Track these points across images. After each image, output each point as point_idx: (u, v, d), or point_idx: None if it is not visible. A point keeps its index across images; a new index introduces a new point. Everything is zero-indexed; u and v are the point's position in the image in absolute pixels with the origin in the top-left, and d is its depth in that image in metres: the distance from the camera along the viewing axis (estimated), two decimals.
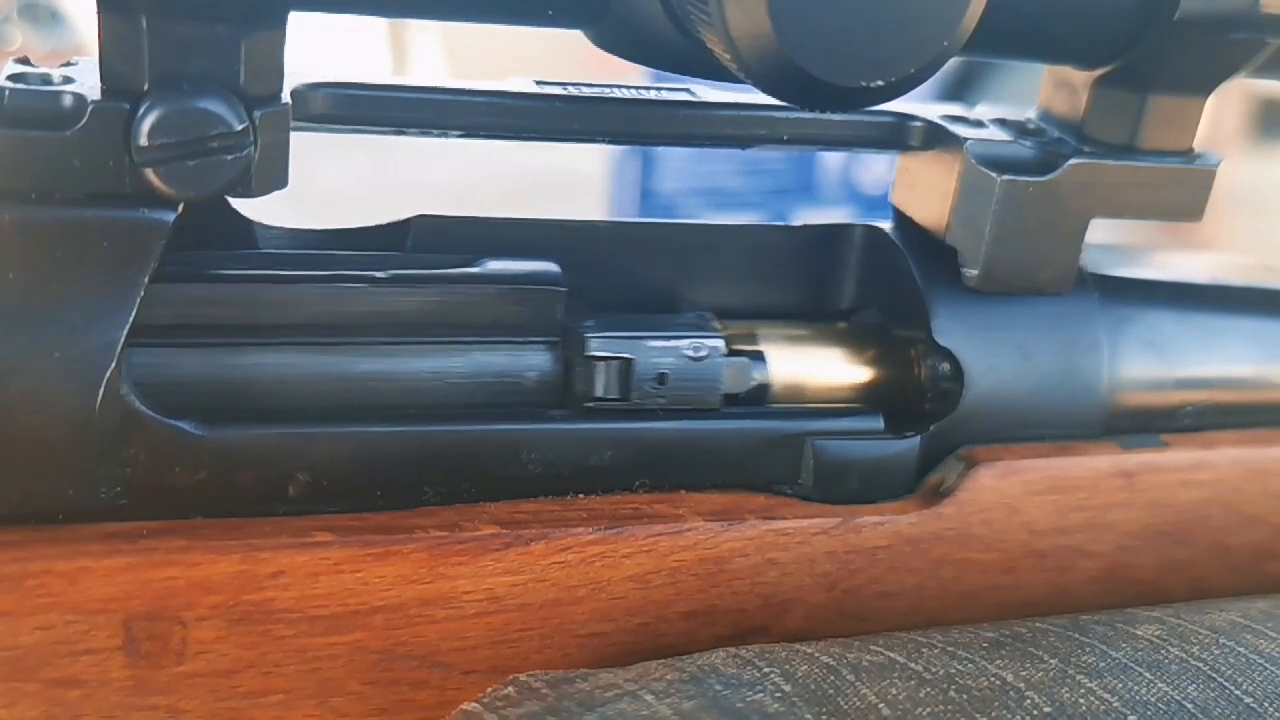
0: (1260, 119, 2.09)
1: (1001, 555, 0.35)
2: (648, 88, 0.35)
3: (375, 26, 2.67)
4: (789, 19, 0.26)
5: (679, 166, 1.53)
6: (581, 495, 0.33)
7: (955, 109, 0.38)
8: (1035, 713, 0.27)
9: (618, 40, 0.33)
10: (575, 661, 0.31)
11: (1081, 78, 0.36)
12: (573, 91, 0.34)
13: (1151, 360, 0.37)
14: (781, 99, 0.28)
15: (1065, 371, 0.36)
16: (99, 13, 0.27)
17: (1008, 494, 0.35)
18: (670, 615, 0.32)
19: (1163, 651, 0.29)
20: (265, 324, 0.31)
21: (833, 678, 0.27)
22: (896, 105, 0.35)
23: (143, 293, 0.28)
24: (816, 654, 0.28)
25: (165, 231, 0.28)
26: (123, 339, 0.28)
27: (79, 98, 0.28)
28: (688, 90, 0.35)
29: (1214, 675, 0.28)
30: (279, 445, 0.30)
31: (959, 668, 0.28)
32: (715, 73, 0.31)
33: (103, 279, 0.28)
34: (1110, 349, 0.37)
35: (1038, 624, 0.31)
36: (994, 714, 0.26)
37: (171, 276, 0.29)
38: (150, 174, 0.28)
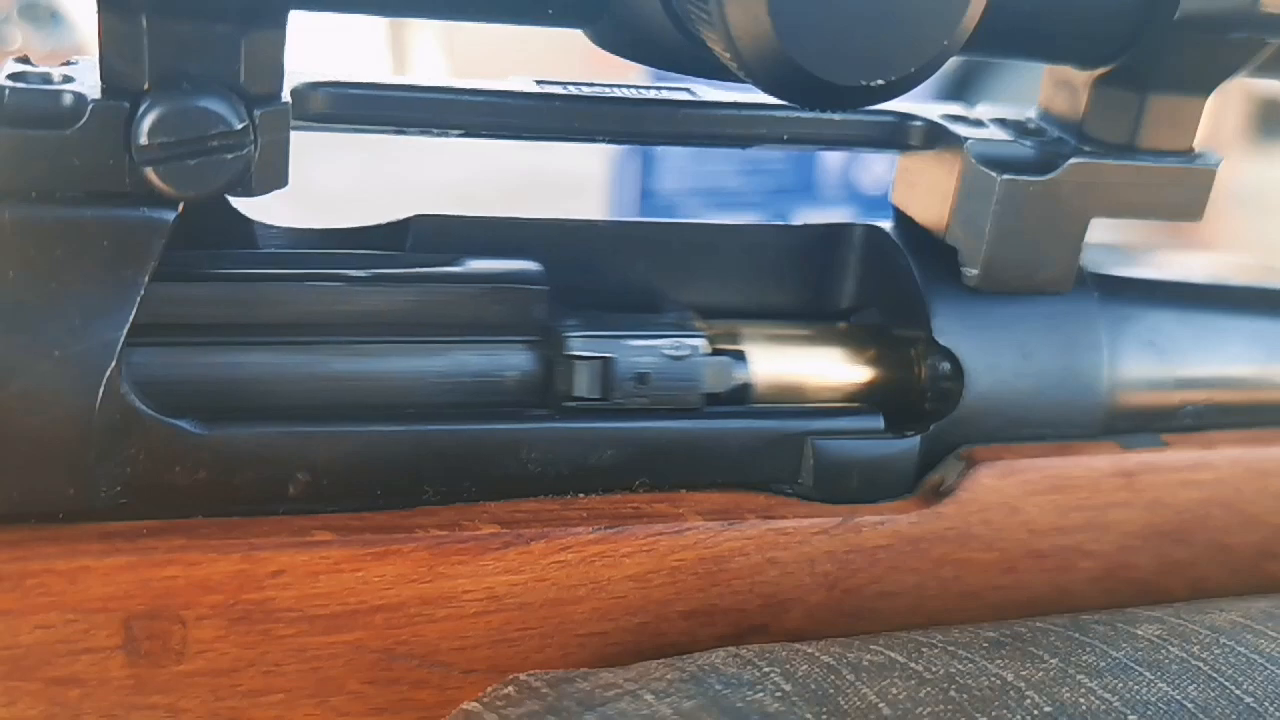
0: (1260, 119, 2.09)
1: (1001, 555, 0.35)
2: (648, 87, 0.35)
3: (375, 26, 2.67)
4: (789, 18, 0.26)
5: (679, 166, 1.53)
6: (581, 494, 0.33)
7: (955, 109, 0.38)
8: (1035, 712, 0.27)
9: (618, 39, 0.32)
10: (575, 661, 0.31)
11: (1081, 77, 0.36)
12: (573, 91, 0.34)
13: (1151, 360, 0.37)
14: (781, 98, 0.28)
15: (1065, 371, 0.36)
16: (99, 12, 0.27)
17: (1008, 493, 0.35)
18: (670, 614, 0.32)
19: (1163, 651, 0.29)
20: (265, 323, 0.31)
21: (833, 677, 0.27)
22: (897, 105, 0.35)
23: (143, 292, 0.28)
24: (817, 653, 0.28)
25: (165, 230, 0.28)
26: (123, 338, 0.28)
27: (79, 97, 0.28)
28: (688, 90, 0.35)
29: (1214, 675, 0.28)
30: (279, 444, 0.30)
31: (959, 667, 0.28)
32: (715, 72, 0.31)
33: (103, 278, 0.28)
34: (1110, 348, 0.37)
35: (1038, 624, 0.31)
36: (994, 713, 0.26)
37: (171, 276, 0.29)
38: (150, 173, 0.28)
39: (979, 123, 0.37)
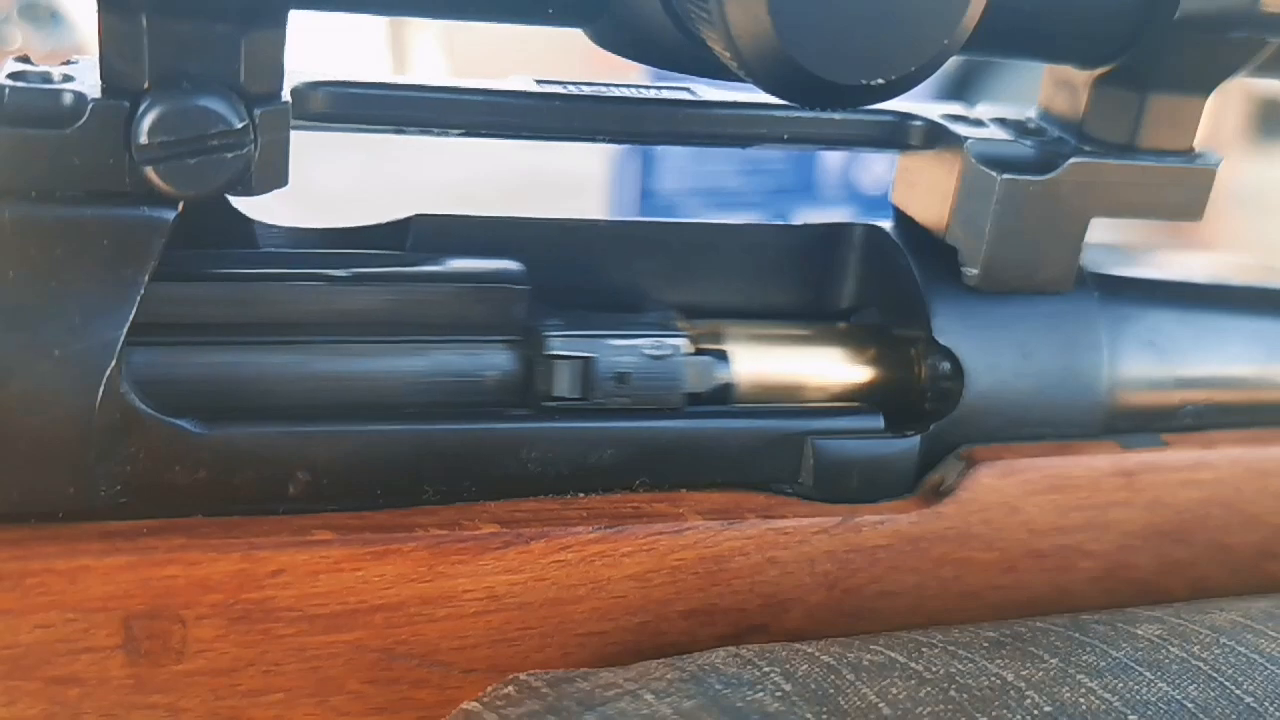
0: (1260, 119, 2.09)
1: (1001, 554, 0.35)
2: (648, 86, 0.35)
3: (375, 25, 2.67)
4: (789, 17, 0.26)
5: (679, 166, 1.53)
6: (581, 494, 0.33)
7: (955, 108, 0.38)
8: (1036, 712, 0.27)
9: (618, 39, 0.32)
10: (575, 660, 0.31)
11: (1082, 77, 0.36)
12: (573, 90, 0.34)
13: (1151, 359, 0.37)
14: (782, 97, 0.28)
15: (1065, 371, 0.36)
16: (99, 11, 0.27)
17: (1008, 493, 0.35)
18: (670, 614, 0.32)
19: (1163, 651, 0.29)
20: (265, 323, 0.31)
21: (833, 677, 0.27)
22: (897, 104, 0.35)
23: (143, 291, 0.28)
24: (817, 653, 0.28)
25: (165, 230, 0.28)
26: (122, 337, 0.28)
27: (79, 96, 0.28)
28: (688, 89, 0.35)
29: (1215, 675, 0.28)
30: (279, 444, 0.30)
31: (959, 667, 0.28)
32: (715, 71, 0.31)
33: (103, 277, 0.28)
34: (1110, 348, 0.37)
35: (1038, 623, 0.31)
36: (994, 713, 0.26)
37: (171, 275, 0.29)
38: (150, 172, 0.28)
39: (979, 122, 0.37)
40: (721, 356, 0.35)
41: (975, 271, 0.35)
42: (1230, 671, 0.29)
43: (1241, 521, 0.38)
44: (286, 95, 0.29)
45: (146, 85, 0.28)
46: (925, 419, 0.35)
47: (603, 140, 0.35)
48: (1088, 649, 0.29)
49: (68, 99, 0.27)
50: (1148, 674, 0.28)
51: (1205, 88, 0.35)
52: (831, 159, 1.58)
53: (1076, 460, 0.36)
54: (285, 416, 0.30)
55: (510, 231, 0.36)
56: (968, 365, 0.35)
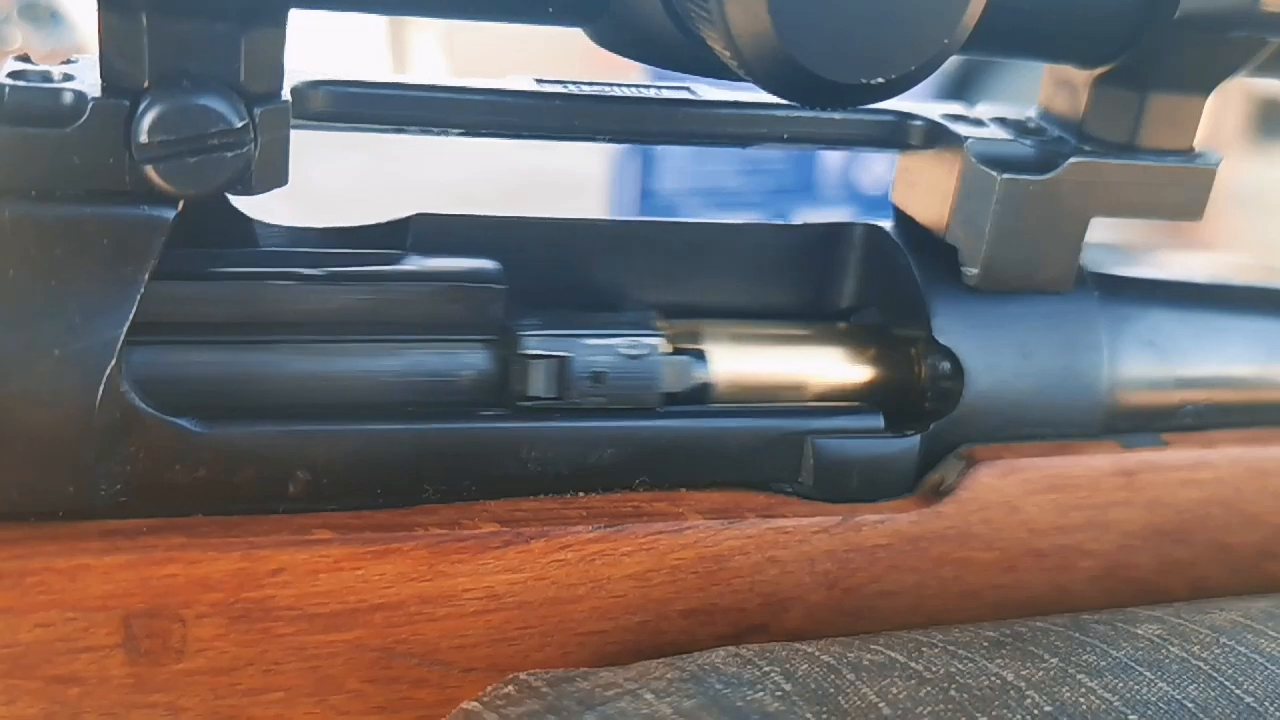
0: (1260, 119, 2.09)
1: (1001, 554, 0.35)
2: (648, 86, 0.35)
3: (375, 25, 2.67)
4: (789, 16, 0.26)
5: (679, 166, 1.53)
6: (581, 493, 0.33)
7: (955, 108, 0.38)
8: (1036, 712, 0.27)
9: (618, 38, 0.32)
10: (575, 660, 0.31)
11: (1082, 76, 0.36)
12: (573, 90, 0.34)
13: (1151, 359, 0.38)
14: (782, 96, 0.28)
15: (1065, 370, 0.36)
16: (99, 11, 0.27)
17: (1008, 493, 0.35)
18: (670, 613, 0.32)
19: (1163, 651, 0.29)
20: (265, 322, 0.31)
21: (833, 676, 0.27)
22: (897, 104, 0.35)
23: (143, 290, 0.28)
24: (817, 653, 0.28)
25: (165, 229, 0.28)
26: (122, 336, 0.28)
27: (79, 95, 0.28)
28: (688, 89, 0.35)
29: (1215, 674, 0.28)
30: (279, 443, 0.30)
31: (959, 667, 0.28)
32: (715, 70, 0.31)
33: (103, 276, 0.28)
34: (1110, 348, 0.37)
35: (1038, 623, 0.31)
36: (994, 713, 0.26)
37: (172, 274, 0.29)
38: (150, 171, 0.28)
39: (979, 122, 0.37)
40: (699, 356, 0.35)
41: (975, 271, 0.35)
42: (1230, 671, 0.29)
43: (1241, 521, 0.38)
44: (286, 94, 0.29)
45: (146, 84, 0.28)
46: (925, 418, 0.35)
47: (603, 140, 0.35)
48: (1088, 649, 0.29)
49: (68, 98, 0.27)
50: (1148, 674, 0.28)
51: (1205, 87, 0.35)
52: (831, 159, 1.58)
53: (1076, 460, 0.36)
54: (285, 416, 0.30)
55: (510, 231, 0.35)
56: (968, 365, 0.35)
